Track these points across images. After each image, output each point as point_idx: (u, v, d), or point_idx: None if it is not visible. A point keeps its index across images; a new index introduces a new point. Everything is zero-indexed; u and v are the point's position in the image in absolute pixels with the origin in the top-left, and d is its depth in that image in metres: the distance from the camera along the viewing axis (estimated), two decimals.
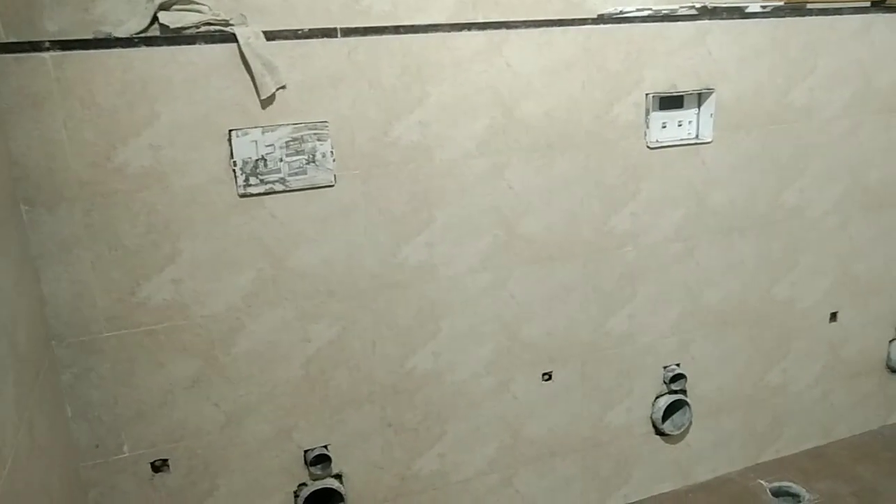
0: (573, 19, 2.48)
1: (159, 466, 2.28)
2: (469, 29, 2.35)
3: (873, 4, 2.90)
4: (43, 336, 2.00)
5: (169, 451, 2.28)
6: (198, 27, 2.06)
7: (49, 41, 1.92)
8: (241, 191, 2.19)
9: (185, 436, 2.29)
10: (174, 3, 2.03)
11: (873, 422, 3.50)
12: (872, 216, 3.17)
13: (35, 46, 1.91)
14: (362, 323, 2.44)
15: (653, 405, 2.98)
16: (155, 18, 2.02)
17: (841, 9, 2.83)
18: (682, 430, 3.01)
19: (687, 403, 2.98)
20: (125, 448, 2.23)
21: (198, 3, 2.06)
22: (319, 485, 2.47)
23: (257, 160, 2.19)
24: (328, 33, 2.19)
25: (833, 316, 3.24)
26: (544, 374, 2.76)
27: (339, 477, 2.52)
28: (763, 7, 2.71)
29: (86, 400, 2.15)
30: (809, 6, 2.77)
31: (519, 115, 2.48)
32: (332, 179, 2.29)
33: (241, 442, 2.37)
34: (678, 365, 2.97)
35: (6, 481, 1.46)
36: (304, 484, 2.47)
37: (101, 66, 1.98)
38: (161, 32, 2.03)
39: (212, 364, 2.28)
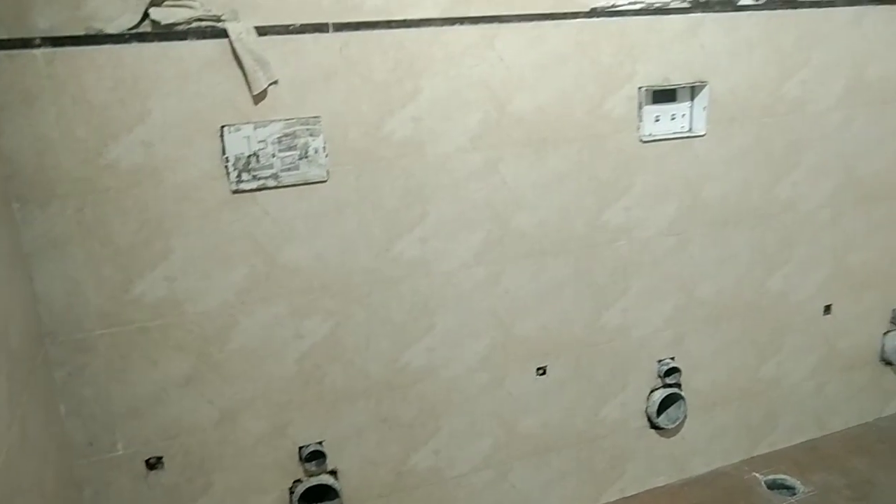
0: (565, 13, 2.47)
1: (154, 464, 2.28)
2: (461, 23, 2.35)
3: None
4: (36, 334, 1.99)
5: (163, 449, 2.28)
6: (189, 23, 2.05)
7: (40, 38, 1.92)
8: (234, 187, 2.19)
9: (179, 433, 2.29)
10: (165, 0, 2.03)
11: (868, 414, 3.51)
12: (866, 209, 3.18)
13: (26, 43, 1.90)
14: (356, 318, 2.44)
15: (647, 399, 2.99)
16: (146, 14, 2.02)
17: (833, 1, 2.83)
18: (677, 423, 3.02)
19: (681, 397, 2.99)
20: (119, 446, 2.23)
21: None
22: (314, 481, 2.47)
23: (249, 156, 2.18)
24: (320, 28, 2.18)
25: (827, 308, 3.24)
26: (538, 369, 2.76)
27: (333, 473, 2.52)
28: (755, 0, 2.71)
29: (79, 397, 2.15)
30: None
31: (511, 109, 2.47)
32: (325, 175, 2.29)
33: (235, 439, 2.37)
34: (672, 359, 2.98)
35: None
36: (298, 480, 2.47)
37: (92, 62, 1.97)
38: (152, 28, 2.03)
39: (205, 361, 2.27)
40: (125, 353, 2.18)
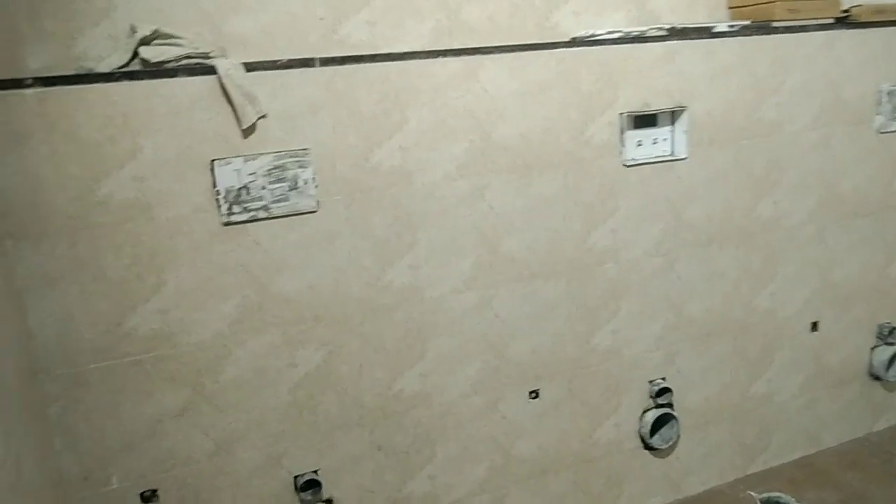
0: (546, 43, 2.55)
1: (149, 497, 2.28)
2: (445, 55, 2.41)
3: (837, 21, 2.99)
4: (30, 369, 2.01)
5: (158, 482, 2.28)
6: (178, 60, 2.10)
7: (32, 78, 1.96)
8: (225, 219, 2.22)
9: (174, 465, 2.29)
10: (154, 38, 2.08)
11: (859, 429, 3.53)
12: (847, 224, 3.23)
13: (18, 83, 1.94)
14: (349, 347, 2.46)
15: (640, 420, 3.00)
16: (136, 53, 2.07)
17: (805, 26, 2.92)
18: (671, 443, 3.03)
19: (674, 417, 3.01)
20: (114, 480, 2.22)
21: (177, 38, 2.11)
22: None
23: (240, 188, 2.22)
24: (307, 63, 2.24)
25: (814, 325, 3.28)
26: (532, 392, 2.78)
27: (329, 502, 2.51)
28: (730, 27, 2.79)
29: (74, 432, 2.15)
30: (775, 24, 2.86)
31: (496, 137, 2.53)
32: (315, 205, 2.32)
33: (231, 470, 2.37)
34: (664, 379, 3.00)
35: None
36: None
37: (83, 101, 2.01)
38: (142, 66, 2.08)
39: (200, 392, 2.28)
40: (119, 387, 2.19)
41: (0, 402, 1.64)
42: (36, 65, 1.97)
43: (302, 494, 2.45)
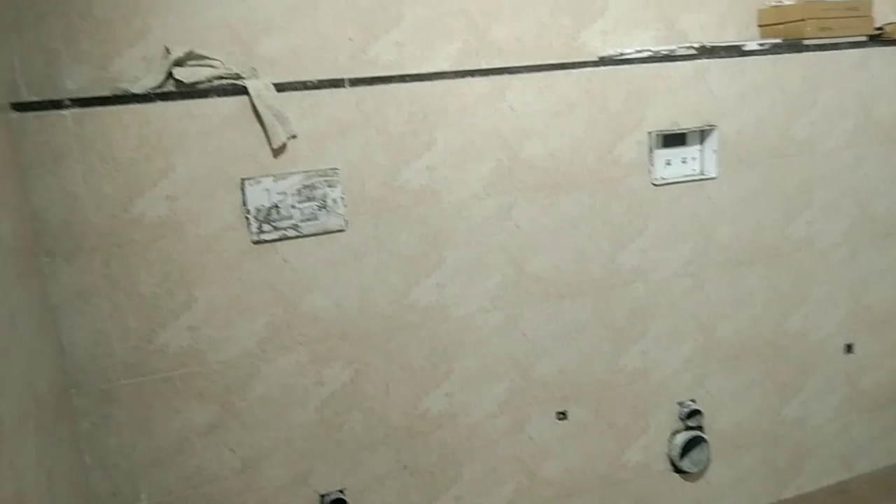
0: (574, 62, 2.55)
1: None
2: (473, 75, 2.42)
3: (870, 38, 2.95)
4: (62, 384, 2.03)
5: (186, 499, 2.29)
6: (211, 81, 2.14)
7: (69, 99, 2.01)
8: (255, 238, 2.24)
9: (202, 482, 2.30)
10: (188, 59, 2.12)
11: None
12: (882, 245, 3.17)
13: (56, 104, 1.99)
14: (375, 365, 2.46)
15: (670, 442, 2.96)
16: (170, 74, 2.10)
17: (838, 44, 2.89)
18: (701, 467, 2.98)
19: (704, 440, 2.95)
20: (143, 496, 2.24)
21: (210, 59, 2.15)
22: None
23: (270, 208, 2.24)
24: (336, 83, 2.26)
25: (849, 347, 3.21)
26: (559, 413, 2.76)
27: None
28: (760, 45, 2.77)
29: (104, 448, 2.18)
30: (806, 42, 2.83)
31: (524, 156, 2.53)
32: (343, 224, 2.34)
33: (257, 487, 2.37)
34: (693, 401, 2.96)
35: None
36: None
37: (118, 121, 2.05)
38: (176, 87, 2.11)
39: (228, 409, 2.30)
40: (149, 403, 2.21)
41: (34, 418, 1.67)
42: (73, 86, 2.02)
43: None
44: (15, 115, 1.95)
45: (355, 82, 2.29)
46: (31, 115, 1.97)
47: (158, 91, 2.10)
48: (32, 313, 1.82)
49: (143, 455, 2.22)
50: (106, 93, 2.06)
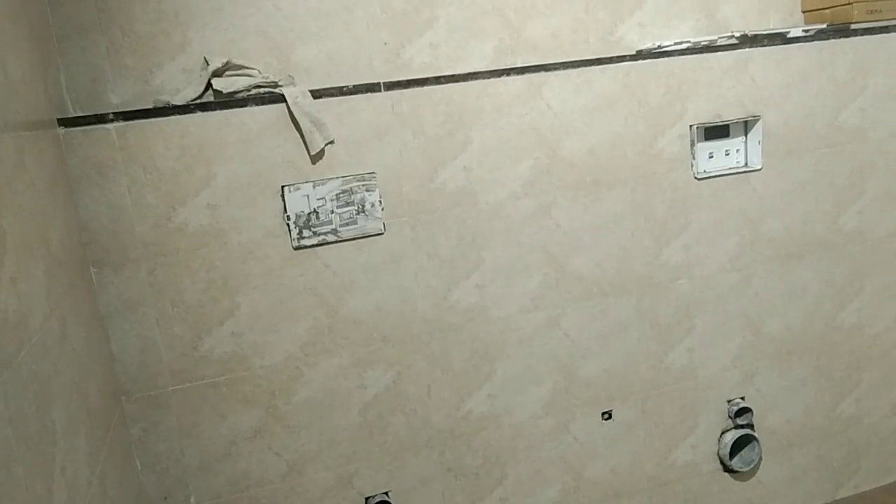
0: (611, 57, 2.50)
1: None
2: (508, 74, 2.40)
3: None
4: (113, 392, 2.09)
5: (234, 502, 2.33)
6: (249, 90, 2.17)
7: (113, 113, 2.06)
8: (296, 243, 2.27)
9: (249, 485, 2.34)
10: (226, 70, 2.15)
11: None
12: None
13: (100, 119, 2.04)
14: (417, 367, 2.47)
15: (719, 441, 2.90)
16: (209, 85, 2.14)
17: (887, 27, 2.78)
18: (752, 466, 2.90)
19: (755, 438, 2.88)
20: (192, 499, 2.29)
21: (248, 68, 2.18)
22: None
23: (309, 213, 2.26)
24: (372, 88, 2.27)
25: None
26: (604, 413, 2.72)
27: None
28: (805, 31, 2.69)
29: (154, 453, 2.23)
30: (853, 26, 2.73)
31: (562, 154, 2.50)
32: (382, 228, 2.35)
33: (303, 490, 2.40)
34: (742, 398, 2.89)
35: None
36: None
37: (160, 133, 2.10)
38: (215, 97, 2.15)
39: (273, 413, 2.33)
40: (196, 409, 2.25)
41: (86, 425, 1.72)
42: (116, 100, 2.07)
43: None
44: (62, 130, 2.01)
45: (391, 86, 2.29)
46: (77, 130, 2.03)
47: (198, 102, 2.13)
48: (82, 323, 1.87)
49: (191, 459, 2.27)
50: (148, 105, 2.10)
